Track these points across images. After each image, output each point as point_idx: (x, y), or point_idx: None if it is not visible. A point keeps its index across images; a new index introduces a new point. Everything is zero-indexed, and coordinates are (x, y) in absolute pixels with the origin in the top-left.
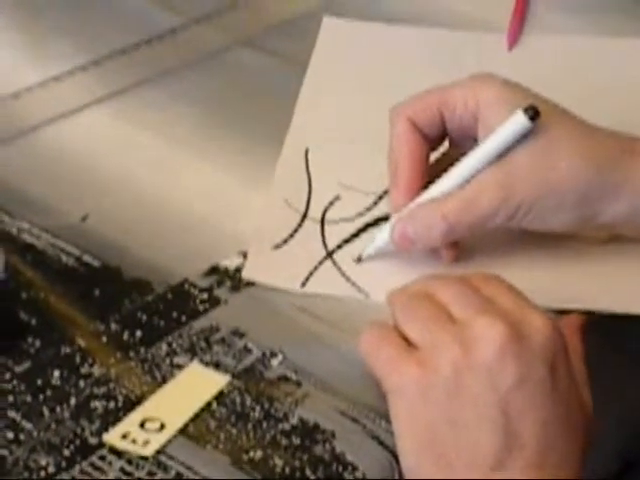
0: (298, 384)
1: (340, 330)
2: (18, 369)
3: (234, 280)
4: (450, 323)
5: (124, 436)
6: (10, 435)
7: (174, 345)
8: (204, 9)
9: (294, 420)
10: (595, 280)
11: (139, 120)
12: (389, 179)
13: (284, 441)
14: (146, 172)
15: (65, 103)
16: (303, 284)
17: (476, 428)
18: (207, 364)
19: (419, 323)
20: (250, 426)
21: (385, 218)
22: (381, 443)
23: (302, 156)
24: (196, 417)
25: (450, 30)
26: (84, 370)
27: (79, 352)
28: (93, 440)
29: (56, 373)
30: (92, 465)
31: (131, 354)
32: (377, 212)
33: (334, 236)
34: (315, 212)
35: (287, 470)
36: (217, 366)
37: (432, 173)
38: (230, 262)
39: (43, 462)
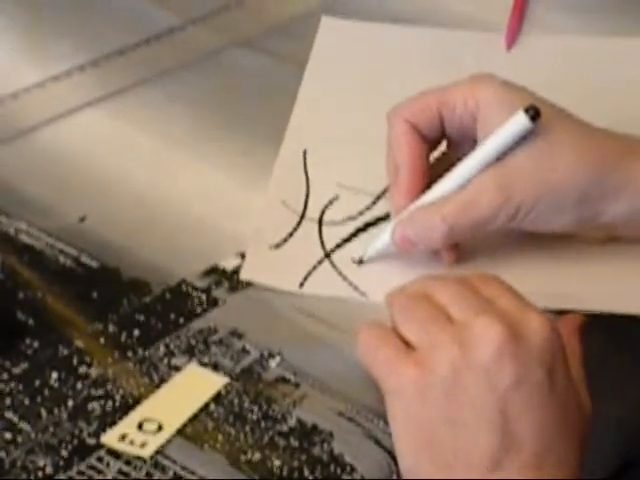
0: (296, 385)
1: (338, 331)
2: (15, 370)
3: (232, 281)
4: (448, 324)
5: (122, 437)
6: (8, 436)
7: (172, 346)
8: (202, 9)
9: (292, 421)
10: (594, 281)
11: (137, 120)
12: (389, 181)
13: (282, 442)
14: (144, 172)
15: (63, 103)
16: (301, 285)
17: (474, 428)
18: (205, 365)
19: (417, 324)
20: (248, 427)
21: (383, 218)
22: (379, 444)
23: (300, 157)
24: (194, 418)
25: (449, 30)
26: (82, 371)
27: (77, 353)
28: (91, 441)
29: (54, 374)
30: (90, 466)
31: (129, 355)
32: (375, 213)
33: (332, 237)
34: (313, 213)
35: (285, 471)
36: (215, 367)
37: (431, 174)
38: (228, 263)
39: (41, 463)
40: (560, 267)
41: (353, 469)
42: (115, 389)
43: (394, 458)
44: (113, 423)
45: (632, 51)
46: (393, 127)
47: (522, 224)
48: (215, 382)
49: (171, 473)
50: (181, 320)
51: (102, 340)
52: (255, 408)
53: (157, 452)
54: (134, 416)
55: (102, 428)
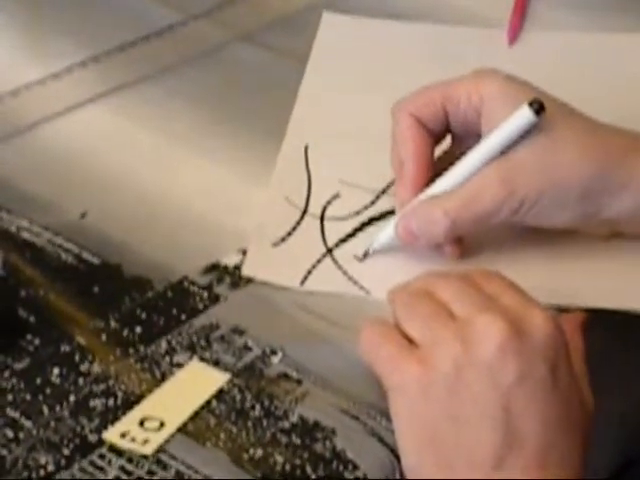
0: (298, 382)
1: (340, 327)
2: (17, 367)
3: (234, 277)
4: (451, 321)
5: (123, 434)
6: (9, 433)
7: (174, 343)
8: (203, 5)
9: (294, 418)
10: (597, 277)
11: (138, 116)
12: (394, 175)
13: (284, 439)
14: (145, 169)
15: (64, 100)
16: (303, 281)
17: (477, 425)
18: (207, 362)
19: (420, 321)
20: (250, 424)
21: (385, 215)
22: (382, 441)
23: (302, 152)
24: (196, 415)
25: (450, 26)
26: (83, 368)
27: (78, 350)
28: (93, 438)
29: (55, 371)
30: (92, 463)
31: (131, 352)
32: (377, 209)
33: (334, 233)
34: (315, 209)
35: (287, 468)
36: (217, 364)
37: (436, 169)
38: (230, 259)
39: (42, 460)
40: (563, 263)
41: (355, 466)
42: (117, 386)
43: (397, 455)
44: (115, 420)
45: (634, 47)
46: (398, 121)
47: (525, 219)
48: (217, 379)
49: (173, 470)
50: (183, 317)
51: (104, 337)
52: (257, 405)
53: (159, 449)
54: (136, 413)
55: (104, 425)
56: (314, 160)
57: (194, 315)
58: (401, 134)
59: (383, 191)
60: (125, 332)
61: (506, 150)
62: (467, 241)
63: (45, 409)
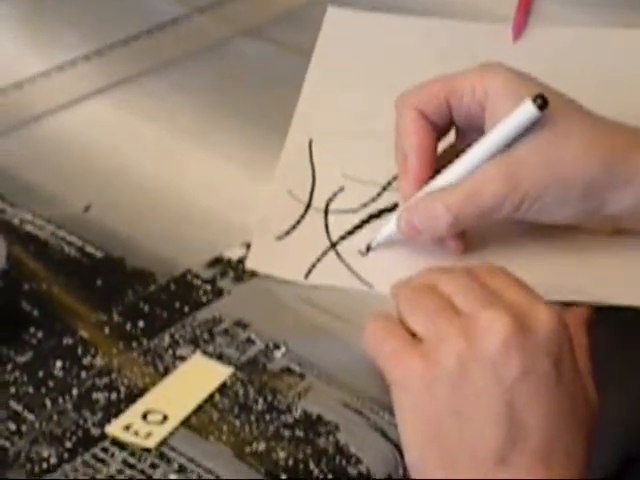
0: (301, 376)
1: (344, 322)
2: (20, 360)
3: (237, 271)
4: (455, 316)
5: (126, 428)
6: (12, 426)
7: (177, 336)
8: None
9: (297, 412)
10: (600, 273)
11: (142, 110)
12: (397, 168)
13: (287, 433)
14: (149, 162)
15: (68, 93)
16: (306, 275)
17: (480, 421)
18: (210, 355)
19: (423, 315)
20: (253, 418)
21: (389, 210)
22: (385, 436)
23: (306, 147)
24: (199, 409)
25: (455, 21)
26: (86, 361)
27: (81, 343)
28: (95, 431)
29: (58, 364)
30: (94, 457)
31: (133, 345)
32: (381, 204)
33: (338, 227)
34: (319, 203)
35: (290, 462)
36: (220, 357)
37: (440, 163)
38: (233, 253)
39: (45, 453)
40: (566, 259)
41: (358, 461)
42: (120, 379)
43: (400, 450)
44: (118, 413)
45: (639, 43)
46: (401, 114)
47: (527, 214)
48: (220, 372)
49: (176, 464)
50: (186, 310)
51: (107, 330)
52: (260, 399)
53: (162, 443)
54: (139, 406)
55: (107, 418)
56: (318, 154)
57: (197, 309)
58: (405, 127)
59: (387, 185)
60: (128, 325)
61: (509, 145)
62: (470, 236)
63: (48, 402)
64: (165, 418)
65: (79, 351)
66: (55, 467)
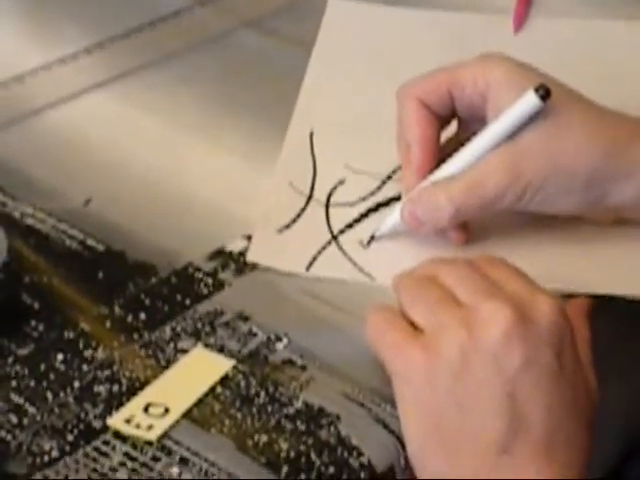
0: (303, 368)
1: (345, 313)
2: (21, 353)
3: (238, 263)
4: (456, 307)
5: (128, 420)
6: (14, 419)
7: (178, 329)
8: None
9: (299, 404)
10: (602, 264)
11: (143, 103)
12: (400, 159)
13: (289, 425)
14: (150, 155)
15: (69, 86)
16: (308, 267)
17: (482, 411)
18: (211, 348)
19: (425, 307)
20: (255, 410)
21: (391, 201)
22: (386, 427)
23: (307, 139)
24: (200, 401)
25: (456, 13)
26: (88, 354)
27: (83, 336)
28: (97, 424)
29: (59, 357)
30: (96, 449)
31: (135, 338)
32: (383, 195)
33: (339, 219)
34: (320, 195)
35: (292, 454)
36: (221, 350)
37: (442, 154)
38: (235, 245)
39: (47, 446)
40: (567, 250)
41: (360, 452)
42: (121, 372)
43: (401, 441)
44: (119, 406)
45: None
46: (403, 105)
47: (530, 205)
48: (222, 365)
49: (178, 456)
50: (187, 303)
51: (108, 323)
52: (262, 391)
53: (163, 435)
54: (140, 399)
55: (108, 411)
56: (319, 146)
57: (199, 301)
58: (407, 118)
59: (388, 177)
60: (129, 318)
61: (511, 136)
62: (472, 227)
63: (49, 395)
64: (167, 411)
65: (80, 344)
66: (56, 460)
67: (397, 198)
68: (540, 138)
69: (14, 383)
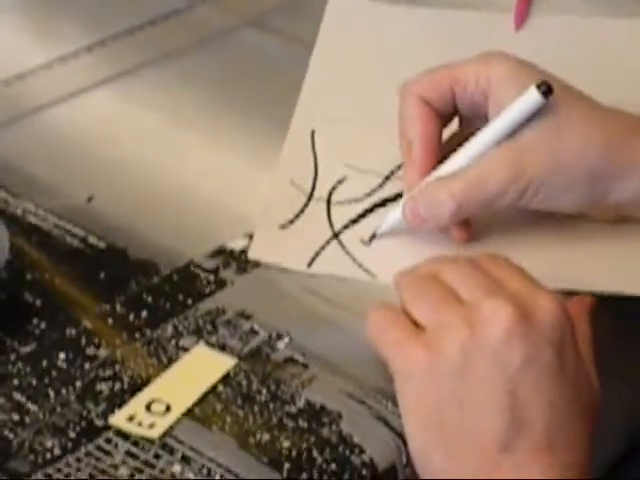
0: (305, 366)
1: (347, 312)
2: (23, 351)
3: (240, 262)
4: (458, 305)
5: (130, 418)
6: (15, 417)
7: (180, 327)
8: None
9: (301, 402)
10: (603, 261)
11: (144, 101)
12: (402, 157)
13: (291, 423)
14: (152, 153)
15: (70, 84)
16: (309, 264)
17: (483, 409)
18: (213, 346)
19: (426, 304)
20: (257, 408)
21: (392, 199)
22: (388, 425)
23: (308, 137)
24: (202, 399)
25: (457, 10)
26: (90, 352)
27: (84, 334)
28: (99, 422)
29: (61, 355)
30: (98, 447)
31: (137, 336)
32: (384, 193)
33: (340, 217)
34: (321, 193)
35: (294, 452)
36: (223, 348)
37: (444, 151)
38: (236, 244)
39: (49, 444)
40: (569, 247)
41: (362, 450)
42: (123, 370)
43: (403, 439)
44: (121, 404)
45: None
46: (405, 102)
47: (531, 202)
48: (223, 363)
49: (179, 454)
50: (189, 301)
51: (110, 321)
52: (263, 389)
53: (165, 433)
54: (142, 397)
55: (110, 409)
56: (321, 144)
57: (200, 299)
58: (409, 115)
59: (390, 175)
60: (131, 316)
61: (513, 133)
62: (474, 225)
63: (51, 393)
64: (169, 409)
65: (82, 342)
66: (59, 458)
67: (399, 195)
68: (541, 135)
69: (16, 381)
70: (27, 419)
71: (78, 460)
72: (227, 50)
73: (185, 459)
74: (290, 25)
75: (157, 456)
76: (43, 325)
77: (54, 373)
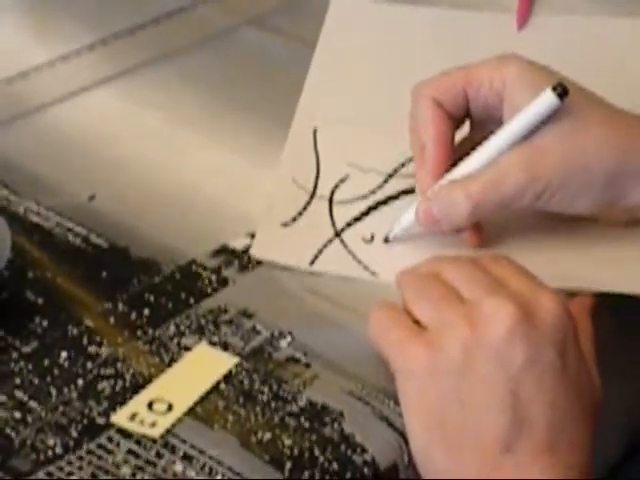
0: (307, 365)
1: (349, 311)
2: (25, 349)
3: (242, 260)
4: (460, 304)
5: (132, 417)
6: (17, 416)
7: (182, 326)
8: None
9: (302, 401)
10: (605, 261)
11: (146, 100)
12: (415, 160)
13: (293, 422)
14: (154, 152)
15: (72, 83)
16: (311, 262)
17: (485, 408)
18: (215, 345)
19: (428, 304)
20: (258, 407)
21: (394, 197)
22: (390, 424)
23: (310, 136)
24: (204, 398)
25: (459, 10)
26: (92, 350)
27: (86, 332)
28: (101, 421)
29: (63, 354)
30: (99, 446)
31: (139, 334)
32: (386, 192)
33: (342, 215)
34: (323, 191)
35: (296, 451)
36: (225, 347)
37: (455, 156)
38: (238, 243)
39: (50, 443)
40: (571, 248)
41: (364, 449)
42: (125, 369)
43: (405, 438)
44: (123, 403)
45: None
46: (418, 104)
47: (548, 205)
48: (225, 362)
49: (181, 453)
50: (191, 300)
51: (112, 320)
52: (265, 388)
53: (167, 432)
54: (144, 396)
55: (112, 408)
56: (323, 143)
57: (202, 298)
58: (422, 117)
59: (392, 174)
60: (133, 315)
61: (529, 135)
62: (486, 229)
63: (53, 392)
64: (170, 407)
65: (84, 341)
66: (60, 456)
67: (401, 194)
68: (559, 137)
69: (18, 380)
70: (29, 417)
71: (80, 459)
72: (228, 49)
73: (187, 458)
74: (291, 24)
75: (159, 455)
76: (45, 324)
77: (56, 371)
